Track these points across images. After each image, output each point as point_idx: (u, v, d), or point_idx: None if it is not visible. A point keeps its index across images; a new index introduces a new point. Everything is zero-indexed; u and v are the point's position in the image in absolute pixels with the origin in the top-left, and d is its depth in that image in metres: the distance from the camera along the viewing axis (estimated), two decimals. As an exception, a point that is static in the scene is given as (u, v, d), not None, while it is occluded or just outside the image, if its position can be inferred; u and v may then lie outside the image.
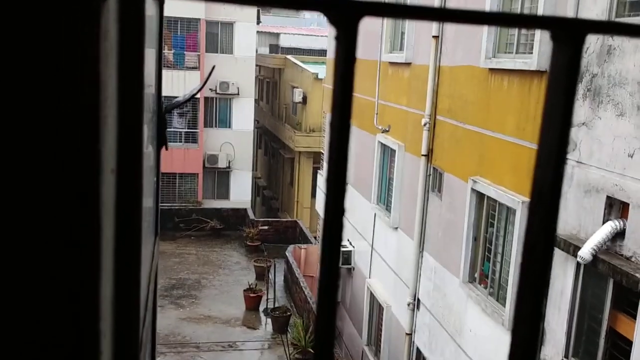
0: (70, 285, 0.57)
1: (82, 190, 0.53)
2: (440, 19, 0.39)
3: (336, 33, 0.38)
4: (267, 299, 17.69)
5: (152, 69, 1.61)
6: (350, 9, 0.36)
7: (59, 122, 0.51)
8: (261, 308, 17.87)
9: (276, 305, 17.47)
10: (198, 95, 24.92)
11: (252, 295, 17.88)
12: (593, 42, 6.76)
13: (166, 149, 1.82)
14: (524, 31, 8.46)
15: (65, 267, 0.56)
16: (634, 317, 6.11)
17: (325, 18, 0.39)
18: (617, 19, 6.53)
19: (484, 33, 9.03)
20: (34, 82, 0.50)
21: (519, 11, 8.48)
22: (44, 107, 0.50)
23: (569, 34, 0.38)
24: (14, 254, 0.54)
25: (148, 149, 1.41)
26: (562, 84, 0.38)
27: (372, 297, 13.83)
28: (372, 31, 13.86)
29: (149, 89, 1.41)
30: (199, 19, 25.52)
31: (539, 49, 7.67)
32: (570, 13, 7.13)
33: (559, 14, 7.41)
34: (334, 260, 0.44)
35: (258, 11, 27.69)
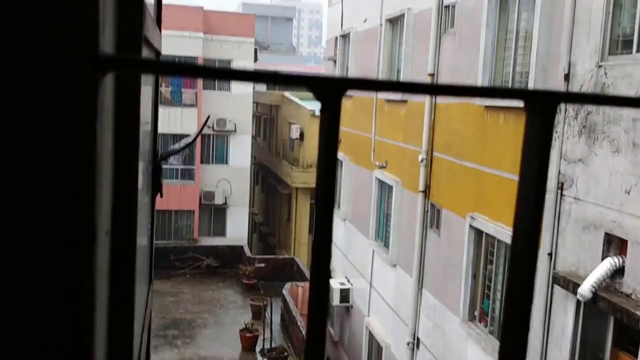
0: (63, 341, 0.57)
1: (77, 253, 0.54)
2: (418, 92, 0.41)
3: (321, 106, 0.41)
4: (263, 339, 17.43)
5: (148, 109, 1.63)
6: (332, 85, 0.39)
7: (55, 189, 0.52)
8: (258, 348, 17.59)
9: (273, 345, 17.19)
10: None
11: (248, 335, 17.62)
12: (587, 79, 6.85)
13: (161, 196, 1.83)
14: (518, 69, 8.58)
15: (57, 324, 0.56)
16: (636, 355, 6.04)
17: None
18: (610, 57, 6.64)
19: (479, 70, 9.15)
20: (31, 152, 0.51)
21: (512, 58, 8.61)
22: (40, 176, 0.51)
23: (540, 105, 0.40)
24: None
25: (143, 199, 1.42)
26: (536, 150, 0.40)
27: (371, 336, 13.66)
28: (369, 68, 14.03)
29: (145, 127, 1.42)
30: (197, 57, 25.88)
31: (534, 87, 7.77)
32: (563, 52, 7.24)
33: (552, 53, 7.53)
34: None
35: (255, 49, 28.10)
